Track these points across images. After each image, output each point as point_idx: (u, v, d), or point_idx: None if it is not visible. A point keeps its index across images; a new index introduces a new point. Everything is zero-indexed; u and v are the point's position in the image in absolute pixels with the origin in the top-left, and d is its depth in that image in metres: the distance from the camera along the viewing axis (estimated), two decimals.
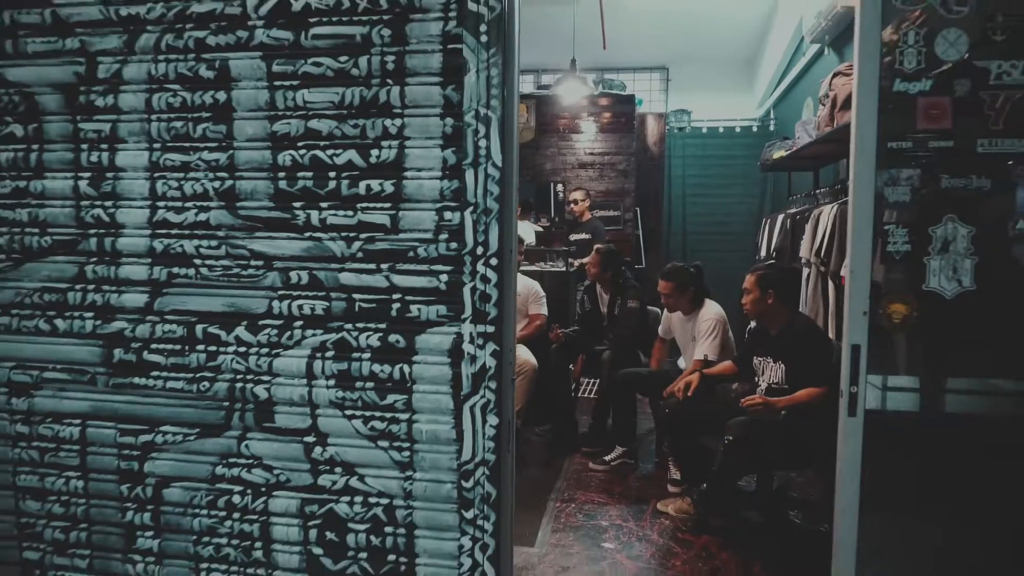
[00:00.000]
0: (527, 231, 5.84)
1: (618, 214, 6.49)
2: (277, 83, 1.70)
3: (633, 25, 5.99)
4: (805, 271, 3.68)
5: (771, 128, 6.66)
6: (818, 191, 3.94)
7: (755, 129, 6.92)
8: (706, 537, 2.94)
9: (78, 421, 1.88)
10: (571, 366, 4.39)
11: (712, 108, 7.14)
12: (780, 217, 4.45)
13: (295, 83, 1.69)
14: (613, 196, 6.54)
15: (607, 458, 3.79)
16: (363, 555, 1.76)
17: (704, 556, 2.79)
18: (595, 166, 6.59)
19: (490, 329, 1.66)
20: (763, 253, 4.76)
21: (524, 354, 3.74)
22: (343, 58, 1.66)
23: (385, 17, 1.64)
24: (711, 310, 3.52)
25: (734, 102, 7.24)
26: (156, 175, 1.78)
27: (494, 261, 1.64)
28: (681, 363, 3.79)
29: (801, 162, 4.48)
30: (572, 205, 5.81)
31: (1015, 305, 1.71)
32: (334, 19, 1.66)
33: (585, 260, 4.55)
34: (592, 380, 4.99)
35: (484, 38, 1.60)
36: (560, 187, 6.55)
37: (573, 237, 5.74)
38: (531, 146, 6.54)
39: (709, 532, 2.97)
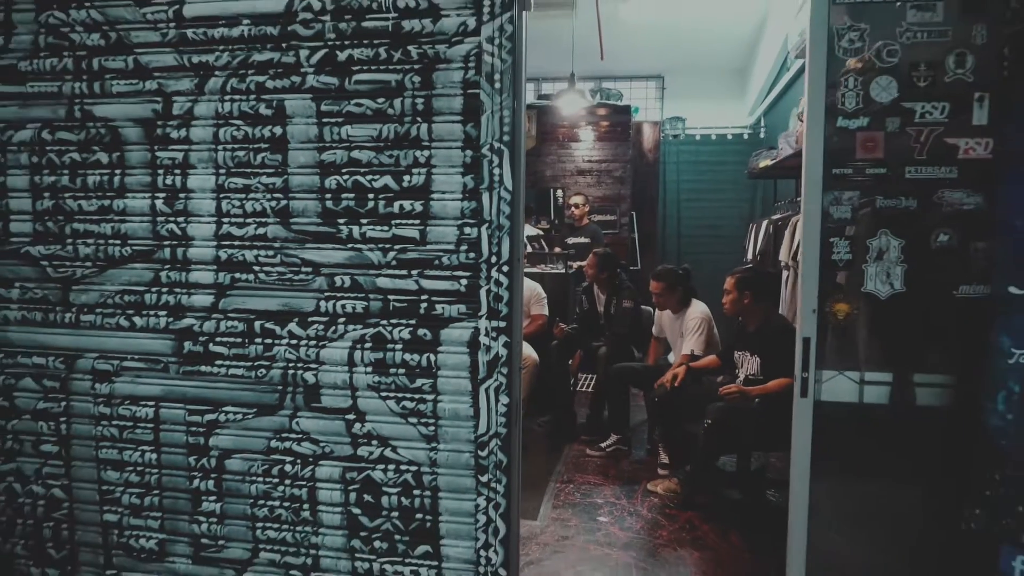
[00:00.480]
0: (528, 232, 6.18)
1: (614, 218, 6.83)
2: (325, 120, 2.04)
3: (629, 36, 6.31)
4: (784, 273, 4.02)
5: (761, 136, 6.99)
6: (798, 199, 4.27)
7: (746, 137, 7.26)
8: (691, 513, 3.28)
9: (152, 403, 2.22)
10: (569, 362, 4.74)
11: (706, 116, 7.47)
12: (764, 223, 4.80)
13: (340, 120, 2.03)
14: (610, 201, 6.88)
15: (603, 445, 4.13)
16: (395, 514, 2.11)
17: (688, 528, 3.13)
18: (592, 172, 6.94)
19: (502, 324, 2.00)
20: (749, 256, 5.10)
21: (526, 350, 4.08)
22: (380, 100, 2.01)
23: (416, 66, 1.98)
24: (697, 309, 3.87)
25: (727, 110, 7.57)
26: (221, 196, 2.12)
27: (505, 268, 1.99)
28: (671, 357, 4.14)
29: (784, 171, 4.81)
30: (573, 209, 6.14)
31: (937, 305, 2.05)
32: (373, 68, 2.01)
33: (584, 263, 4.90)
34: (589, 375, 5.34)
35: (497, 85, 1.95)
36: (560, 192, 6.89)
37: (571, 240, 6.08)
38: (532, 153, 6.87)
39: (693, 508, 3.31)
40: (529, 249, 6.04)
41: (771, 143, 5.69)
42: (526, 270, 4.94)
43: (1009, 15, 1.97)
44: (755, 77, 7.10)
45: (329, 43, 2.02)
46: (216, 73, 2.09)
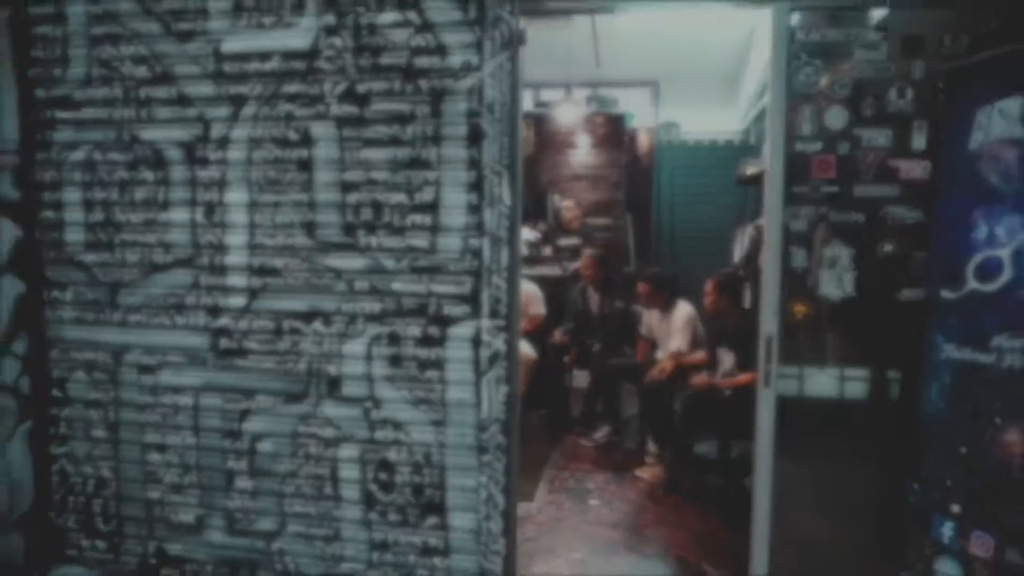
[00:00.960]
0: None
1: (610, 222, 7.11)
2: (346, 144, 2.33)
3: (625, 44, 6.56)
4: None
5: (751, 142, 7.25)
6: None
7: (736, 143, 7.52)
8: (675, 497, 3.58)
9: (192, 392, 2.51)
10: (565, 359, 5.03)
11: (699, 122, 7.73)
12: (748, 228, 5.08)
13: (359, 144, 2.32)
14: (605, 206, 7.16)
15: (595, 436, 4.43)
16: (407, 489, 2.40)
17: (672, 510, 3.43)
18: (588, 177, 7.22)
19: (501, 323, 2.29)
20: (736, 259, 5.38)
21: (525, 348, 4.37)
22: (395, 127, 2.30)
23: (426, 98, 2.27)
24: (683, 310, 4.15)
25: (719, 116, 7.83)
26: (254, 210, 2.41)
27: (505, 274, 2.28)
28: (659, 355, 4.42)
29: None
30: (564, 213, 6.46)
31: (883, 307, 2.33)
32: (388, 99, 2.29)
33: (577, 264, 5.18)
34: (583, 371, 5.61)
35: (497, 115, 2.24)
36: (557, 197, 7.17)
37: (563, 242, 6.38)
38: (530, 159, 7.15)
39: (677, 493, 3.61)
40: (525, 252, 6.34)
41: (759, 151, 5.95)
42: (527, 272, 5.26)
43: (943, 53, 2.26)
44: (746, 84, 7.37)
45: (350, 77, 2.31)
46: (250, 102, 2.38)
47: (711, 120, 7.77)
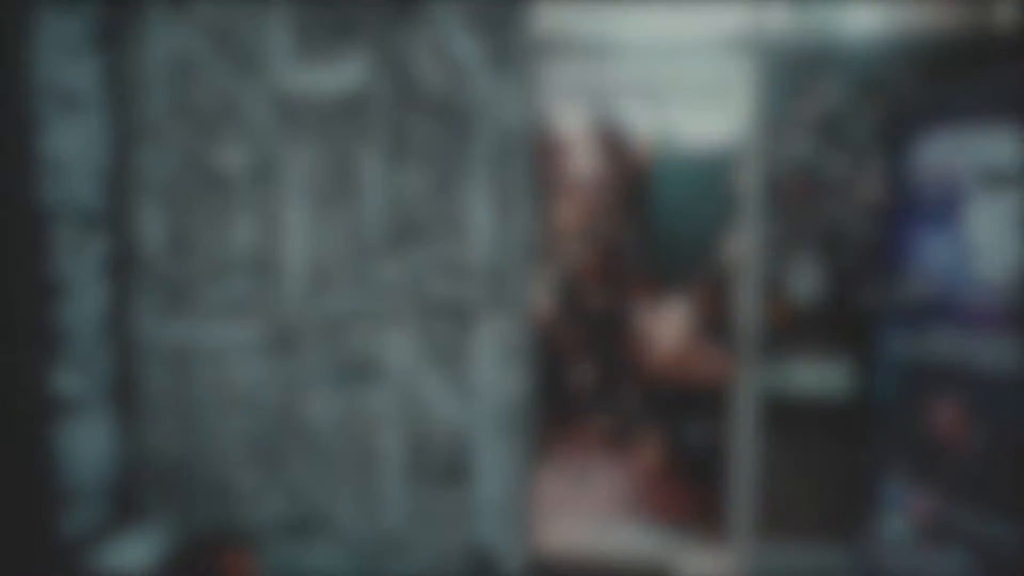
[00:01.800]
0: None
1: (608, 229, 7.53)
2: (392, 168, 2.75)
3: (622, 52, 6.97)
4: None
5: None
6: None
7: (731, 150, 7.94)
8: (672, 473, 4.01)
9: (257, 378, 2.92)
10: (570, 352, 5.45)
11: (696, 131, 8.12)
12: (738, 235, 5.51)
13: (402, 168, 2.74)
14: (603, 212, 7.58)
15: (601, 421, 4.86)
16: (441, 458, 2.82)
17: (667, 484, 3.86)
18: (587, 186, 7.63)
19: (522, 319, 2.71)
20: (723, 262, 5.82)
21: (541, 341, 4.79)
22: (433, 156, 2.71)
23: (456, 131, 2.69)
24: (676, 310, 4.59)
25: (715, 126, 8.22)
26: (311, 224, 2.82)
27: (522, 276, 2.70)
28: (656, 347, 4.86)
29: None
30: (565, 215, 6.88)
31: (846, 312, 2.76)
32: (428, 132, 2.71)
33: (580, 265, 5.61)
34: (587, 363, 6.04)
35: (516, 143, 2.66)
36: (555, 203, 7.58)
37: (565, 245, 6.80)
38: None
39: (674, 468, 4.04)
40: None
41: None
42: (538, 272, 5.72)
43: (902, 93, 2.69)
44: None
45: (394, 114, 2.73)
46: (309, 133, 2.79)
47: (708, 130, 8.19)
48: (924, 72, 2.68)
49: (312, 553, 2.92)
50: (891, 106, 2.64)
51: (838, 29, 2.73)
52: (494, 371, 2.76)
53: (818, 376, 2.87)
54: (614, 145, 7.57)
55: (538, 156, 2.81)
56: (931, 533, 2.45)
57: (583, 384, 5.44)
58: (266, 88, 2.82)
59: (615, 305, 5.13)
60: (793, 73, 2.75)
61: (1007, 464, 2.24)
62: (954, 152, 2.41)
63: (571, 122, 6.90)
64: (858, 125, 2.72)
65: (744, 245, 2.86)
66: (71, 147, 2.73)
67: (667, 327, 4.55)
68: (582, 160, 7.56)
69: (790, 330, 2.84)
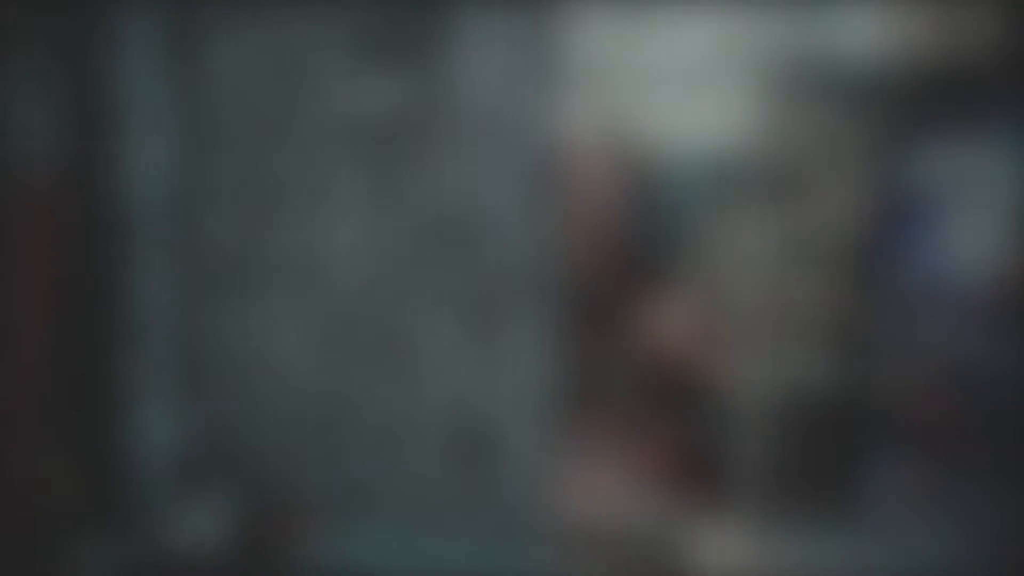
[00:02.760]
0: None
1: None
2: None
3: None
4: None
5: None
6: None
7: None
8: None
9: (299, 364, 3.20)
10: None
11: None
12: None
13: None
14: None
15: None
16: (470, 441, 3.10)
17: None
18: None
19: (536, 312, 3.01)
20: None
21: None
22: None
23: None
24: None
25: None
26: (359, 225, 3.11)
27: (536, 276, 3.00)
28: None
29: None
30: None
31: None
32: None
33: None
34: None
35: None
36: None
37: None
38: None
39: None
40: None
41: None
42: None
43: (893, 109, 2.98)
44: None
45: (430, 121, 3.03)
46: (361, 150, 3.08)
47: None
48: (916, 88, 2.97)
49: (369, 527, 3.18)
50: (881, 120, 2.93)
51: (832, 47, 3.02)
52: (522, 353, 3.04)
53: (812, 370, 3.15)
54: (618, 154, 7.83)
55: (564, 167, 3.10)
56: (915, 503, 2.71)
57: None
58: (321, 104, 3.10)
59: None
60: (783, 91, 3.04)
61: (985, 431, 2.50)
62: (943, 161, 2.67)
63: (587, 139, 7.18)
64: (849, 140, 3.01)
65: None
66: (150, 156, 3.00)
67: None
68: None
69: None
